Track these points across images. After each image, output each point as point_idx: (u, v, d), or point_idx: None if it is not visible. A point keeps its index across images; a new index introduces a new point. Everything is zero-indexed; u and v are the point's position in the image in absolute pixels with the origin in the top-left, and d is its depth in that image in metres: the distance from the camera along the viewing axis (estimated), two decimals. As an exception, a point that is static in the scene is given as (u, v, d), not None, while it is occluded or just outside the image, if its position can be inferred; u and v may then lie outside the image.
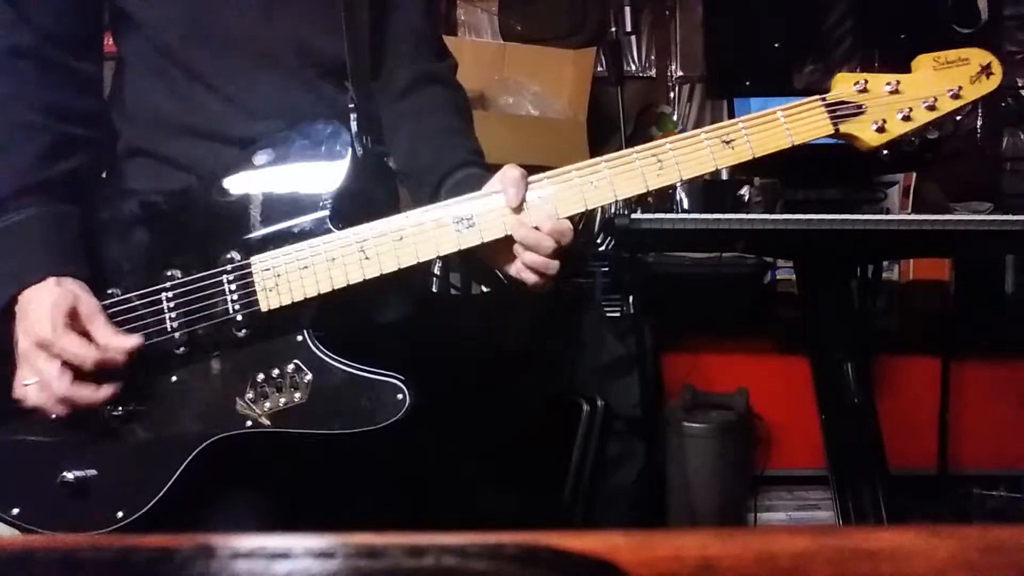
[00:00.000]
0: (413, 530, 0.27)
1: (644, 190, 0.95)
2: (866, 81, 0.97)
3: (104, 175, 1.07)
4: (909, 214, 2.27)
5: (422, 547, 0.26)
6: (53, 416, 0.93)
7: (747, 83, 2.97)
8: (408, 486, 1.17)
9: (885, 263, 2.67)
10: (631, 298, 2.31)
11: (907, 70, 1.00)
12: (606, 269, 2.39)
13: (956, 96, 0.96)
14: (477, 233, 0.95)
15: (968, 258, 2.66)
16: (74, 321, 0.91)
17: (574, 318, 2.22)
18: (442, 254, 0.95)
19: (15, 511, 0.95)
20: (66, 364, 0.90)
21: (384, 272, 0.94)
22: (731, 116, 2.62)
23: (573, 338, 2.20)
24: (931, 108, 0.97)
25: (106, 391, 0.92)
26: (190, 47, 1.02)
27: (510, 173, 0.96)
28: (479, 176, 1.04)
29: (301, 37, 1.04)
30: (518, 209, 0.94)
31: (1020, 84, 3.18)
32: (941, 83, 0.97)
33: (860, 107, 0.97)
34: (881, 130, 0.97)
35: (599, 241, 2.54)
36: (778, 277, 2.69)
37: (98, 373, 0.91)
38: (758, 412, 2.44)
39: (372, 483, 1.09)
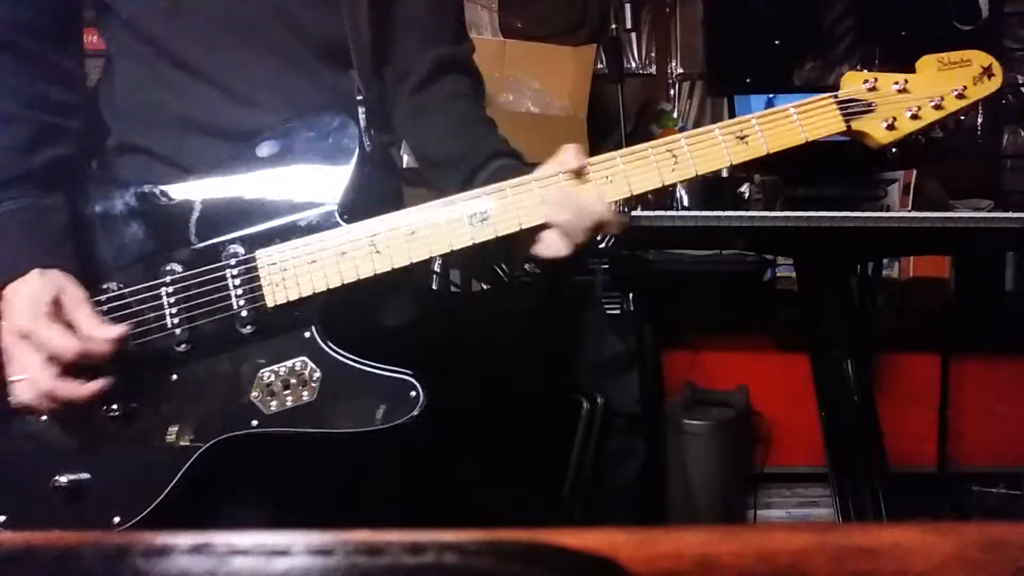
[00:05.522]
0: (413, 527, 0.27)
1: (659, 185, 0.94)
2: (875, 79, 0.99)
3: (95, 166, 1.04)
4: (909, 212, 2.27)
5: (422, 544, 0.26)
6: (41, 413, 0.89)
7: (747, 80, 2.96)
8: (408, 483, 1.16)
9: (885, 261, 2.67)
10: (631, 295, 2.31)
11: (908, 69, 1.01)
12: (606, 266, 2.39)
13: (961, 96, 0.98)
14: (491, 227, 0.93)
15: (968, 256, 2.66)
16: (58, 311, 0.88)
17: (574, 315, 2.22)
18: (455, 249, 0.93)
19: (1, 518, 0.92)
20: (51, 358, 0.87)
21: (395, 267, 0.92)
22: (731, 113, 2.62)
23: (573, 335, 2.20)
24: (938, 107, 0.98)
25: (92, 386, 0.89)
26: (173, 32, 0.99)
27: (569, 148, 0.94)
28: (514, 167, 1.01)
29: (287, 10, 1.00)
30: (576, 179, 0.93)
31: (1021, 81, 3.17)
32: (946, 83, 0.99)
33: (870, 105, 0.98)
34: (891, 128, 0.98)
35: (599, 238, 2.54)
36: (778, 274, 2.69)
37: (84, 367, 0.89)
38: (758, 409, 2.44)
39: (372, 481, 1.08)
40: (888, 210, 2.26)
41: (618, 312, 2.37)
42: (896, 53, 2.98)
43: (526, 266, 2.24)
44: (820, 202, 2.15)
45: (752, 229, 1.74)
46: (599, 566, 0.26)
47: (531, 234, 0.95)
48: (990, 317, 2.62)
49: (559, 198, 0.93)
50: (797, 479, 2.54)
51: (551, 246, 0.95)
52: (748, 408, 2.38)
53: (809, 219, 1.74)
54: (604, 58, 2.75)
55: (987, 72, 0.98)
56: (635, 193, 0.95)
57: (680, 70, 3.29)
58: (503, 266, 2.27)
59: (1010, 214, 1.80)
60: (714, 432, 2.25)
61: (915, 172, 2.36)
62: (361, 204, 0.96)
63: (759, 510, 2.50)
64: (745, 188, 2.34)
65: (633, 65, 3.23)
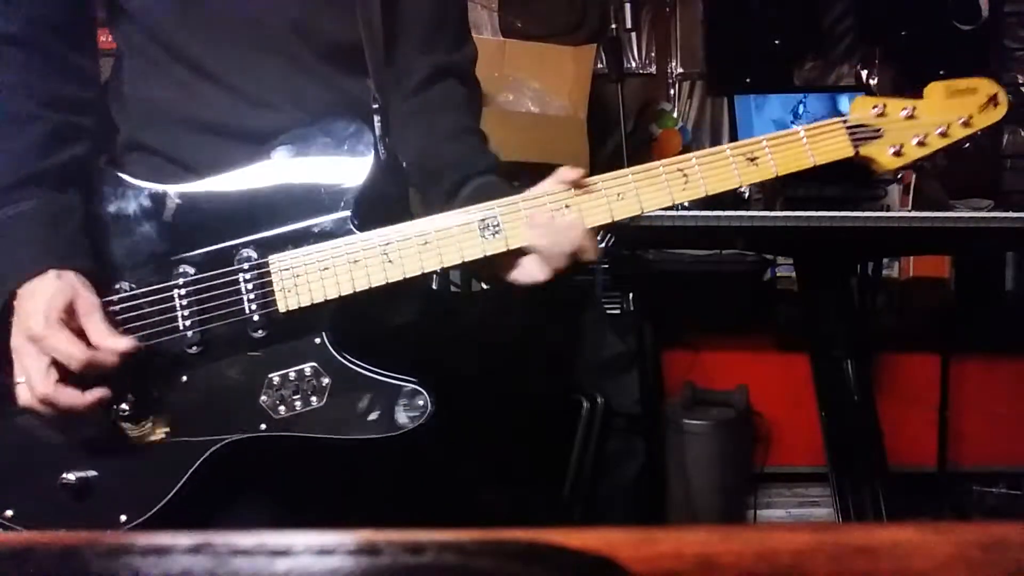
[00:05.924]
0: (413, 527, 0.27)
1: (670, 203, 0.95)
2: (884, 105, 1.00)
3: (104, 164, 1.02)
4: (909, 211, 2.27)
5: (422, 544, 0.26)
6: (41, 417, 0.89)
7: (747, 80, 2.97)
8: (408, 483, 1.16)
9: (885, 260, 2.68)
10: (631, 295, 2.31)
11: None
12: (606, 266, 2.39)
13: (967, 124, 0.99)
14: (503, 240, 0.93)
15: (968, 255, 2.66)
16: (70, 317, 0.86)
17: (574, 315, 2.22)
18: (467, 260, 0.93)
19: (8, 513, 0.92)
20: (55, 363, 0.86)
21: (407, 276, 0.93)
22: (731, 113, 2.62)
23: (573, 335, 2.20)
24: (943, 135, 0.99)
25: (91, 396, 0.87)
26: (183, 33, 0.98)
27: (568, 170, 0.95)
28: (499, 185, 1.02)
29: (293, 12, 1.00)
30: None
31: (1021, 81, 3.17)
32: (953, 111, 0.99)
33: (878, 131, 0.99)
34: (898, 154, 0.99)
35: (599, 238, 2.54)
36: (778, 274, 2.70)
37: (89, 375, 0.88)
38: (758, 409, 2.44)
39: (372, 482, 1.08)
40: (888, 210, 2.26)
41: (618, 312, 2.37)
42: (896, 53, 2.99)
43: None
44: (820, 202, 2.15)
45: (752, 229, 1.75)
46: (599, 566, 0.26)
47: (511, 257, 0.95)
48: (990, 317, 2.62)
49: (543, 221, 0.93)
50: (797, 479, 2.54)
51: (528, 271, 0.96)
52: (748, 408, 2.38)
53: (809, 219, 1.74)
54: (604, 58, 2.75)
55: (993, 101, 0.99)
56: (646, 211, 0.95)
57: (680, 70, 3.29)
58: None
59: (1010, 214, 1.80)
60: (714, 432, 2.25)
61: (914, 173, 2.36)
62: (375, 211, 0.96)
63: (759, 510, 2.50)
64: (745, 188, 2.34)
65: (633, 65, 3.23)
